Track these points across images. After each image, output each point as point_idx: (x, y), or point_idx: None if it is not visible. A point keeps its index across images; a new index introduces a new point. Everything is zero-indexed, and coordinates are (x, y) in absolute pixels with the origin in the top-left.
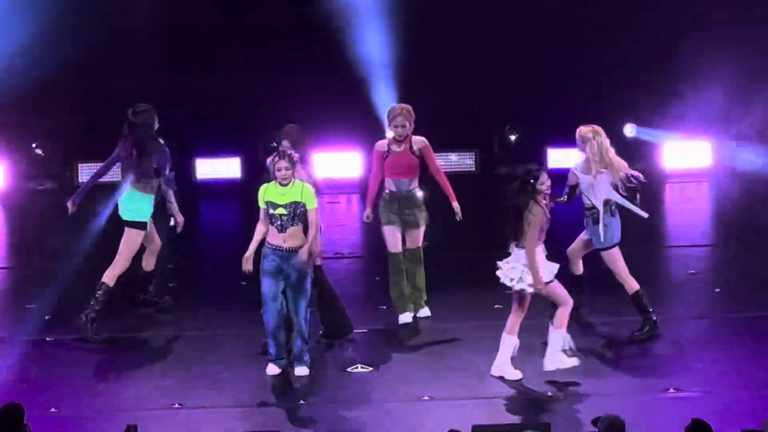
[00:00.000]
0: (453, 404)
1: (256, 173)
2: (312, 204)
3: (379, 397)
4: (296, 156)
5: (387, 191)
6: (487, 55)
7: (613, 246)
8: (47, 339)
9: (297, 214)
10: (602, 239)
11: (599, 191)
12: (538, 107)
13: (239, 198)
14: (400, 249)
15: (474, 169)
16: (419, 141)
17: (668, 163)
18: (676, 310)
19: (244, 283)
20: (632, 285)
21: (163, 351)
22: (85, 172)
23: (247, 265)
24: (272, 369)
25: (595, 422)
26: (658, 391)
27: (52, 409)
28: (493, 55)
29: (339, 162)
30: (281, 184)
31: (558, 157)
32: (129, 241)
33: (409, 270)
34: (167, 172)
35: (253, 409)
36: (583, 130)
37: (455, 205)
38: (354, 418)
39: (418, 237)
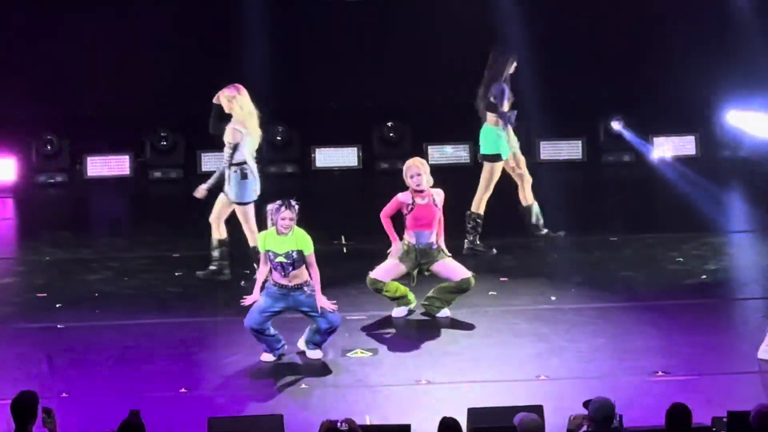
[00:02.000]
0: (449, 387)
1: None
2: (309, 249)
3: (378, 380)
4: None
5: (407, 242)
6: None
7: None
8: (58, 326)
9: (295, 259)
10: (256, 194)
11: (251, 147)
12: None
13: None
14: (380, 278)
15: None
16: (438, 192)
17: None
18: (663, 296)
19: (248, 272)
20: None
21: (171, 337)
22: (94, 165)
23: (246, 302)
24: (266, 356)
25: (585, 404)
26: (647, 374)
27: (63, 394)
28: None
29: None
30: (281, 233)
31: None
32: (486, 173)
33: (453, 291)
34: (503, 108)
35: (256, 392)
36: (226, 92)
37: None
38: (354, 401)
39: (455, 269)
